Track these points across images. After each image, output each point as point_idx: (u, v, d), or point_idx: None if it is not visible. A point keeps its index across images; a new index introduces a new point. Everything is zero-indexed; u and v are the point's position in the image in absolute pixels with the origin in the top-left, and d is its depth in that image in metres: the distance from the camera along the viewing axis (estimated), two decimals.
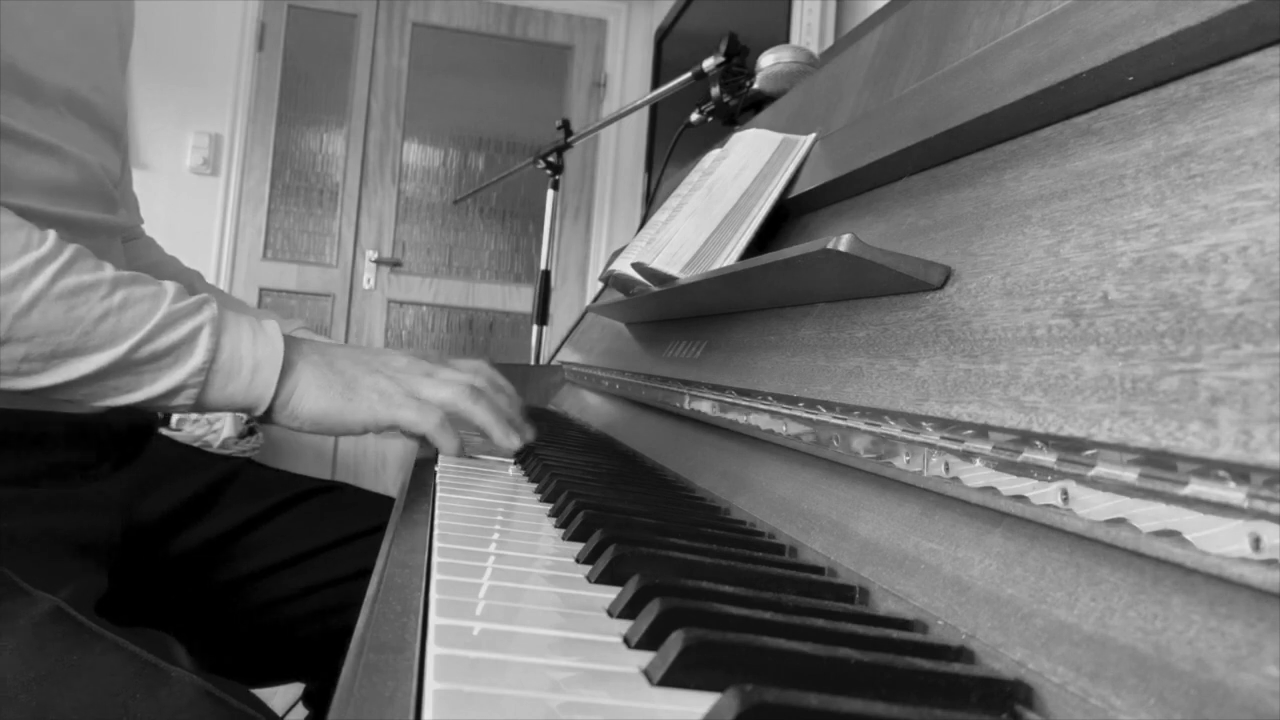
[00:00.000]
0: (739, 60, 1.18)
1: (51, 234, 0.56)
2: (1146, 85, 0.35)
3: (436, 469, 0.62)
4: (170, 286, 0.59)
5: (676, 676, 0.26)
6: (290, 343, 0.63)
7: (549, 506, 0.53)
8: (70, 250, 0.56)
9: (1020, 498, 0.30)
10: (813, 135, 0.72)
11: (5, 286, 0.52)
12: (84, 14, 0.68)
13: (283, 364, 0.61)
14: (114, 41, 0.73)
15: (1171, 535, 0.24)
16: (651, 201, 1.45)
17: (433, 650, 0.27)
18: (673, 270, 0.73)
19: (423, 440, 0.68)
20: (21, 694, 0.47)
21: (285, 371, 0.61)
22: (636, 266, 0.75)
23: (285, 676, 0.82)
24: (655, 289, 0.75)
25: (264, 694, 0.60)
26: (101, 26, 0.71)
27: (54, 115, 0.63)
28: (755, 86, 1.08)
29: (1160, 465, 0.25)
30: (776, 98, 1.01)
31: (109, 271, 0.57)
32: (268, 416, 0.62)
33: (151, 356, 0.57)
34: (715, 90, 1.18)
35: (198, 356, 0.58)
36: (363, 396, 0.62)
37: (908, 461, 0.38)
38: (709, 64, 1.20)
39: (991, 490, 0.32)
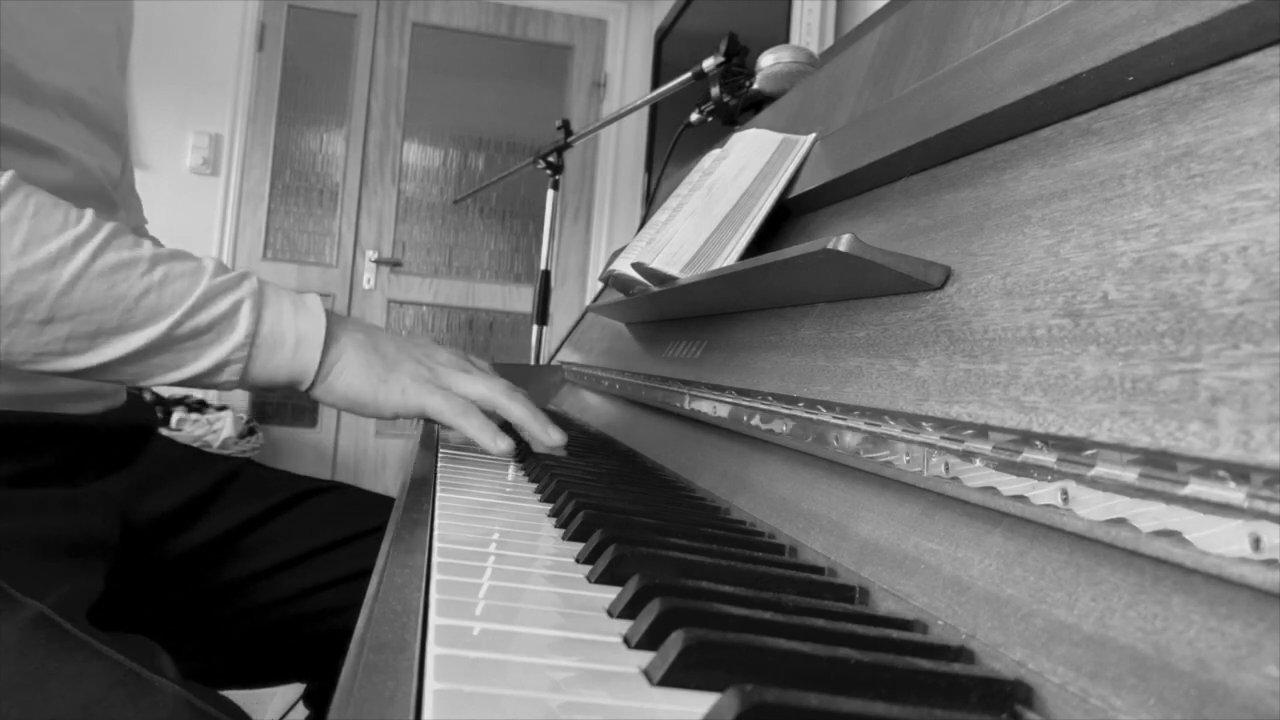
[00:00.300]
0: (739, 60, 1.18)
1: (89, 212, 0.55)
2: (1146, 85, 0.35)
3: (437, 469, 0.62)
4: (209, 261, 0.59)
5: (676, 676, 0.26)
6: (333, 318, 0.62)
7: (549, 506, 0.53)
8: (108, 227, 0.55)
9: (1020, 498, 0.30)
10: (813, 135, 0.72)
11: (46, 265, 0.52)
12: (81, 15, 0.68)
13: (325, 337, 0.60)
14: (112, 42, 0.73)
15: (1171, 535, 0.24)
16: (651, 201, 1.45)
17: (433, 650, 0.27)
18: (673, 270, 0.73)
19: (430, 440, 0.68)
20: (2, 701, 0.47)
21: (328, 346, 0.61)
22: (636, 266, 0.75)
23: (285, 677, 0.82)
24: (655, 289, 0.75)
25: (264, 694, 0.60)
26: (99, 28, 0.71)
27: (52, 117, 0.63)
28: (755, 86, 1.08)
29: (1160, 465, 0.25)
30: (776, 98, 1.01)
31: (148, 248, 0.57)
32: (307, 392, 0.62)
33: (194, 332, 0.56)
34: (715, 90, 1.18)
35: (240, 330, 0.58)
36: (397, 380, 0.62)
37: (908, 461, 0.38)
38: (709, 64, 1.20)
39: (991, 490, 0.32)
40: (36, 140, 0.62)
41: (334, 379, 0.61)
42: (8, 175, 0.53)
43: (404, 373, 0.62)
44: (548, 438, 0.64)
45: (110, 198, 0.71)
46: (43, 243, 0.52)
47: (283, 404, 3.13)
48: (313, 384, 0.61)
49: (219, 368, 0.58)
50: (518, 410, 0.64)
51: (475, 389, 0.63)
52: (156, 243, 0.91)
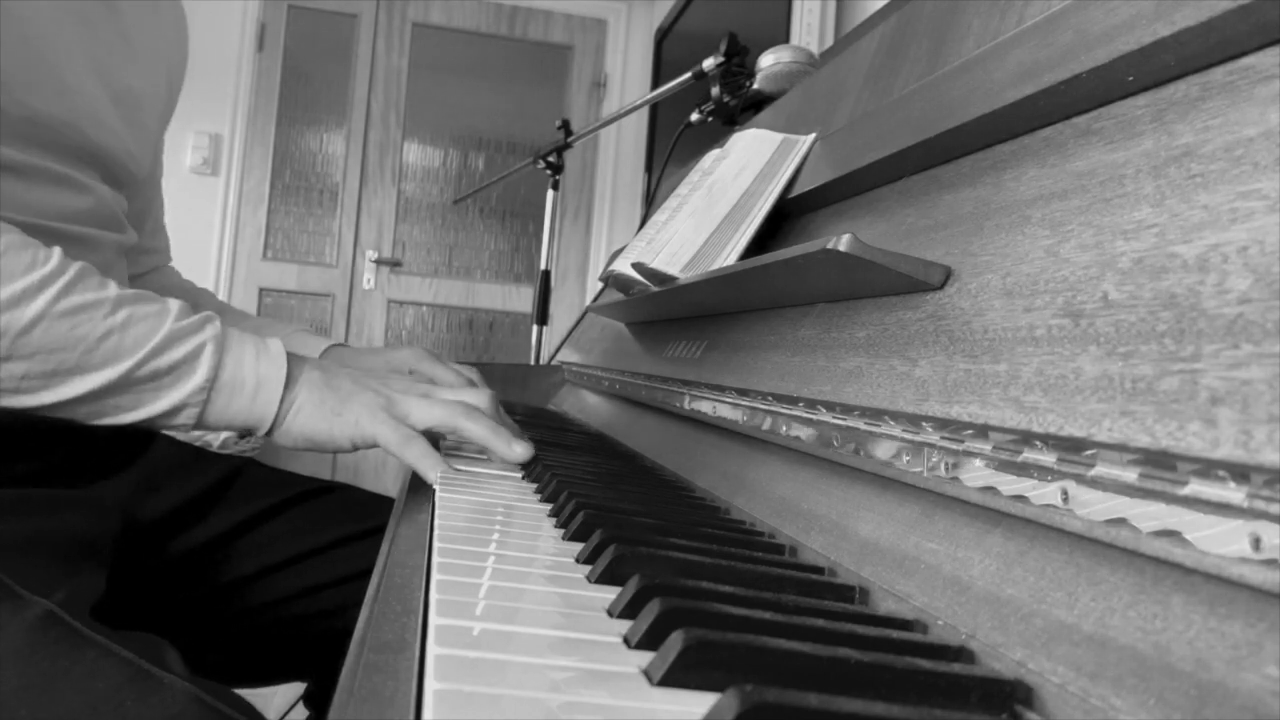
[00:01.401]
0: (739, 60, 1.18)
1: (56, 252, 0.56)
2: (1146, 85, 0.35)
3: None
4: (174, 304, 0.59)
5: (676, 676, 0.26)
6: (294, 362, 0.62)
7: (549, 506, 0.53)
8: (75, 269, 0.56)
9: (1020, 498, 0.30)
10: (813, 135, 0.72)
11: (8, 304, 0.52)
12: (136, 83, 0.69)
13: (284, 382, 0.60)
14: (160, 99, 0.75)
15: (1171, 535, 0.24)
16: (651, 201, 1.45)
17: (433, 650, 0.27)
18: (673, 270, 0.73)
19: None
20: (11, 700, 0.47)
21: (286, 390, 0.61)
22: (636, 266, 0.75)
23: (285, 676, 0.82)
24: (655, 289, 0.75)
25: (264, 694, 0.60)
26: (151, 91, 0.72)
27: (84, 166, 0.65)
28: (755, 86, 1.08)
29: (1160, 465, 0.25)
30: (776, 98, 1.01)
31: (113, 290, 0.57)
32: (265, 435, 0.62)
33: (153, 374, 0.57)
34: (715, 90, 1.18)
35: (200, 375, 0.58)
36: (351, 411, 0.61)
37: (908, 461, 0.38)
38: (709, 64, 1.20)
39: (991, 490, 0.32)
40: (61, 172, 0.63)
41: (290, 421, 0.61)
42: None
43: (358, 403, 0.62)
44: (511, 454, 0.62)
45: (120, 222, 0.72)
46: (8, 281, 0.52)
47: None
48: (271, 428, 0.61)
49: (175, 410, 0.58)
50: (476, 430, 0.62)
51: (430, 414, 0.62)
52: (178, 275, 0.92)
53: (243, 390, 0.59)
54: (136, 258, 0.86)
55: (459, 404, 0.63)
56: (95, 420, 0.57)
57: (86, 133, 0.64)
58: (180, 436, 0.84)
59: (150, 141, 0.75)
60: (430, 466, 0.59)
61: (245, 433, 0.62)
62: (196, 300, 0.87)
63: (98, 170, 0.67)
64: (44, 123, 0.61)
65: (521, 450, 0.63)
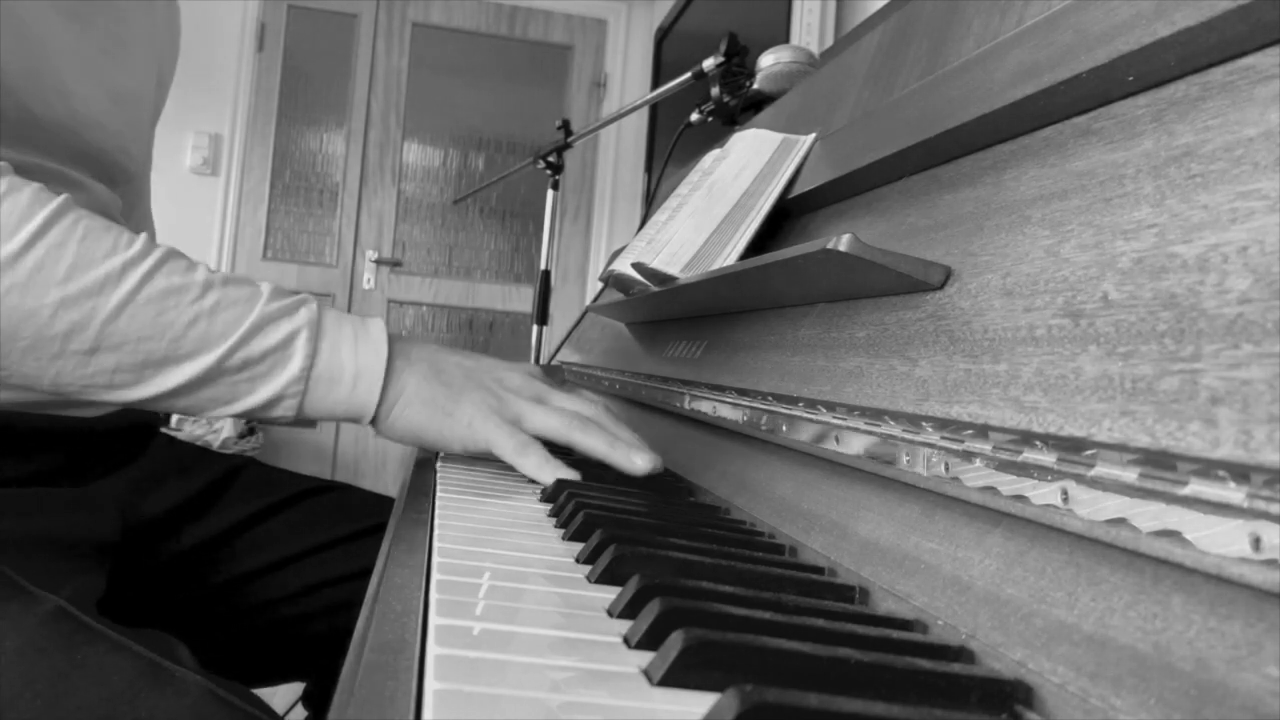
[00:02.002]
0: (739, 60, 1.18)
1: (142, 236, 0.54)
2: (1146, 85, 0.35)
3: (437, 468, 0.62)
4: (266, 286, 0.56)
5: (676, 676, 0.26)
6: (397, 348, 0.59)
7: (549, 506, 0.53)
8: (160, 251, 0.54)
9: (1020, 498, 0.30)
10: (813, 135, 0.72)
11: (92, 291, 0.50)
12: (125, 80, 0.69)
13: (386, 371, 0.57)
14: (150, 98, 0.74)
15: (1171, 535, 0.24)
16: (651, 201, 1.45)
17: (433, 650, 0.26)
18: (673, 270, 0.73)
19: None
20: (25, 693, 0.47)
21: (389, 380, 0.57)
22: (636, 266, 0.75)
23: (285, 676, 0.82)
24: (655, 289, 0.75)
25: (264, 693, 0.60)
26: (141, 89, 0.71)
27: (78, 164, 0.65)
28: (755, 86, 1.08)
29: (1160, 465, 0.25)
30: (776, 98, 1.01)
31: (201, 273, 0.54)
32: (370, 424, 0.59)
33: (245, 363, 0.54)
34: (715, 90, 1.18)
35: (295, 363, 0.55)
36: (463, 413, 0.58)
37: (908, 461, 0.38)
38: (709, 64, 1.20)
39: (991, 490, 0.32)
40: (57, 170, 0.63)
41: (396, 415, 0.58)
42: (60, 199, 0.51)
43: (470, 403, 0.58)
44: (633, 466, 0.58)
45: (114, 219, 0.72)
46: (89, 268, 0.50)
47: None
48: (374, 419, 0.58)
49: (273, 402, 0.55)
50: (592, 443, 0.58)
51: (547, 423, 0.59)
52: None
53: (342, 380, 0.56)
54: None
55: (575, 414, 0.60)
56: (196, 414, 0.55)
57: (85, 135, 0.64)
58: (180, 436, 0.84)
59: (144, 139, 0.74)
60: (549, 475, 0.56)
61: (352, 422, 0.58)
62: None
63: (92, 169, 0.67)
64: (44, 126, 0.60)
65: (643, 462, 0.58)
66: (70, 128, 0.62)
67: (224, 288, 0.54)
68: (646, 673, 0.27)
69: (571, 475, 0.56)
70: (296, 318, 0.56)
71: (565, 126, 1.76)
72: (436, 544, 0.40)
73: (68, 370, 0.51)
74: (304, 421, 0.57)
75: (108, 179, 0.70)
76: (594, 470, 0.63)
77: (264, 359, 0.54)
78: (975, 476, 0.33)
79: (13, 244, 0.48)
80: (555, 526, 0.48)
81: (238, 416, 0.56)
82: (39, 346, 0.49)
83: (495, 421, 0.58)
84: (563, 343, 1.56)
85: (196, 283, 0.53)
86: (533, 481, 0.62)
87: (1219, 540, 0.23)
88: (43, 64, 0.59)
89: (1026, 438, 0.31)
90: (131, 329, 0.51)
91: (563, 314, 3.21)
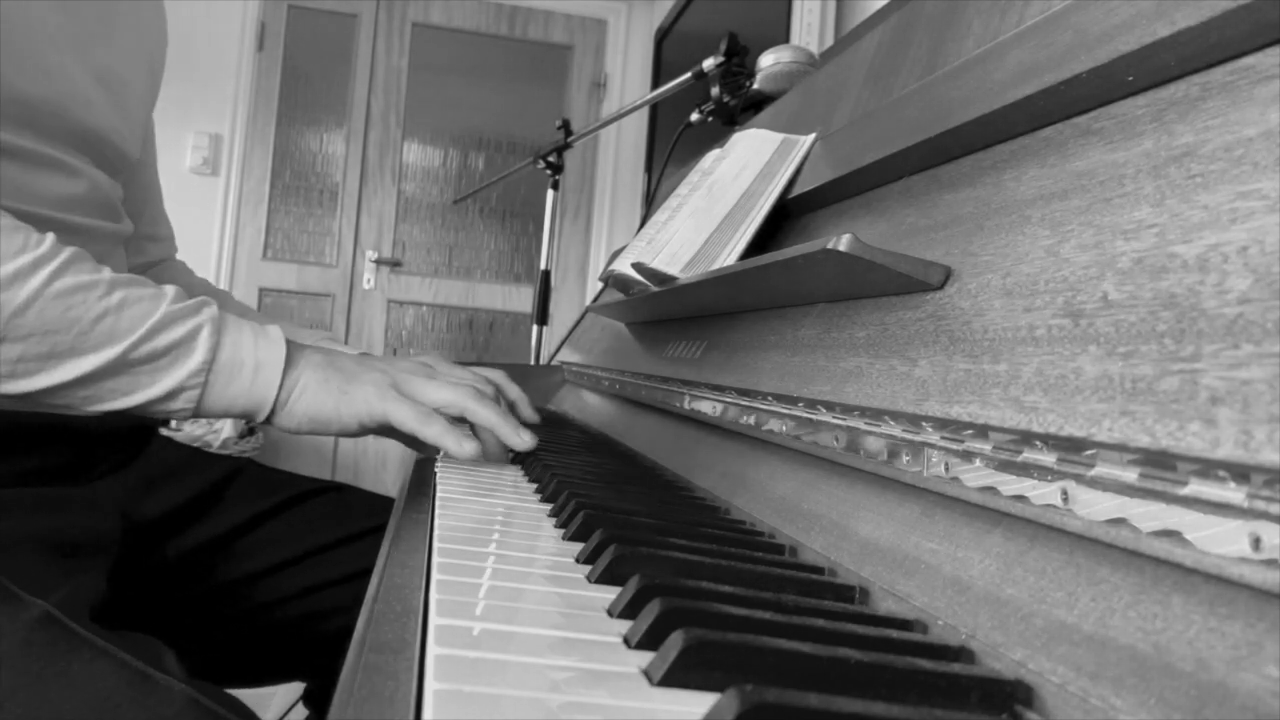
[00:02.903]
0: (739, 60, 1.18)
1: (50, 236, 0.55)
2: (1146, 85, 0.35)
3: (437, 469, 0.62)
4: (170, 289, 0.59)
5: (676, 676, 0.26)
6: (294, 345, 0.62)
7: (549, 506, 0.53)
8: (68, 252, 0.55)
9: (1020, 498, 0.30)
10: (813, 135, 0.72)
11: (2, 285, 0.52)
12: (112, 62, 0.69)
13: (285, 363, 0.60)
14: (142, 81, 0.75)
15: (1171, 535, 0.24)
16: (651, 201, 1.45)
17: (433, 650, 0.26)
18: (673, 270, 0.73)
19: (418, 444, 0.68)
20: (7, 701, 0.47)
21: (287, 371, 0.60)
22: (636, 266, 0.75)
23: (285, 676, 0.82)
24: (655, 289, 0.75)
25: (264, 694, 0.60)
26: (130, 72, 0.72)
27: (69, 147, 0.65)
28: (755, 86, 1.08)
29: (1160, 465, 0.25)
30: (776, 98, 1.01)
31: (107, 273, 0.56)
32: (267, 420, 0.61)
33: (149, 356, 0.56)
34: (715, 90, 1.18)
35: (197, 356, 0.57)
36: (359, 390, 0.60)
37: (908, 461, 0.38)
38: (709, 64, 1.20)
39: (991, 490, 0.32)
40: (50, 155, 0.63)
41: (293, 403, 0.60)
42: None
43: (365, 383, 0.61)
44: (519, 441, 0.63)
45: (117, 211, 0.72)
46: (2, 263, 0.52)
47: None
48: (272, 411, 0.60)
49: (173, 394, 0.57)
50: (485, 414, 0.62)
51: (440, 395, 0.62)
52: (187, 269, 0.92)
53: (241, 372, 0.58)
54: (141, 245, 0.85)
55: (468, 387, 0.63)
56: (93, 406, 0.56)
57: (74, 113, 0.64)
58: (179, 437, 0.85)
59: (137, 124, 0.74)
60: (456, 441, 0.58)
61: (246, 419, 0.60)
62: (223, 302, 0.87)
63: (88, 153, 0.67)
64: (33, 104, 0.60)
65: (528, 438, 0.63)
66: (56, 104, 0.62)
67: (129, 287, 0.57)
68: (646, 673, 0.27)
69: (474, 447, 0.59)
70: (200, 315, 0.58)
71: (565, 126, 1.76)
72: (436, 544, 0.40)
73: None
74: (206, 415, 0.60)
75: (106, 165, 0.70)
76: (590, 468, 0.63)
77: (168, 352, 0.56)
78: (975, 476, 0.33)
79: None
80: (555, 526, 0.48)
81: (136, 410, 0.57)
82: None
83: (392, 395, 0.60)
84: (563, 343, 1.56)
85: (103, 281, 0.56)
86: (532, 482, 0.62)
87: (1219, 540, 0.23)
88: (24, 40, 0.60)
89: (1026, 438, 0.31)
90: (40, 322, 0.53)
91: (563, 314, 3.21)
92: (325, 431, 0.62)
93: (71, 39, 0.64)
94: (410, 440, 0.66)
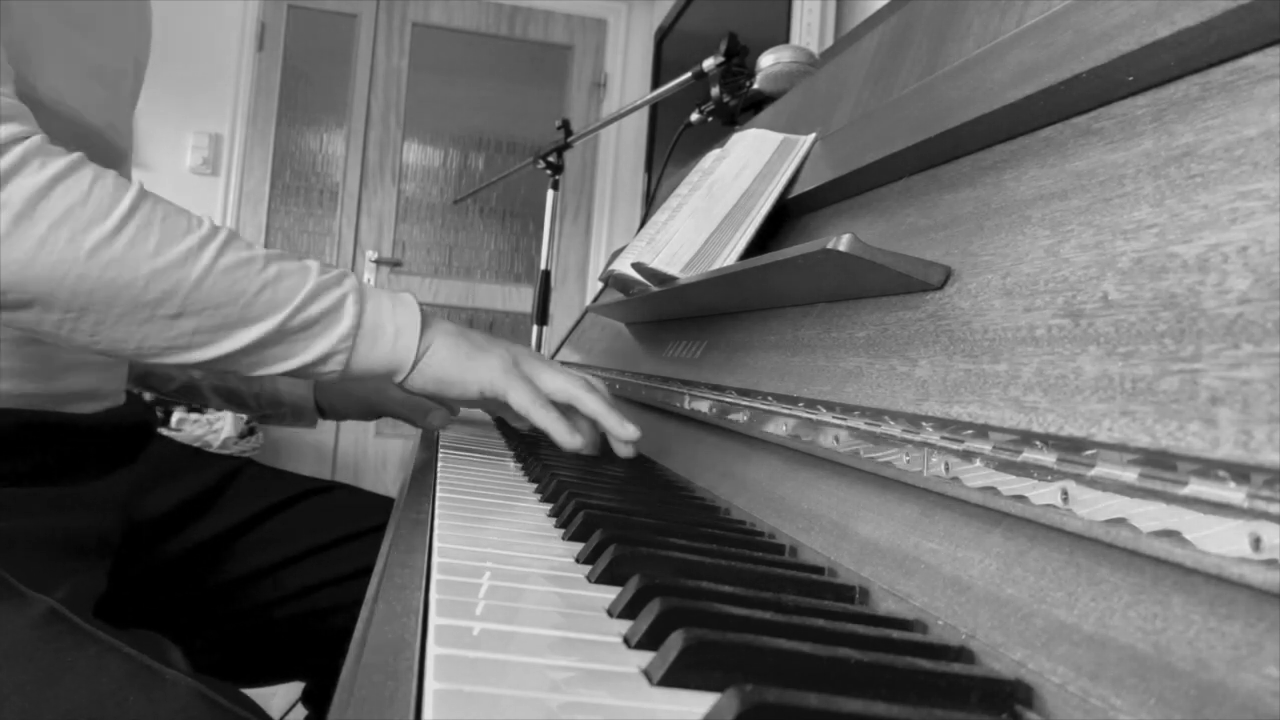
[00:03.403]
0: (739, 60, 1.18)
1: (208, 217, 0.59)
2: (1146, 85, 0.35)
3: (437, 469, 0.62)
4: (314, 262, 0.63)
5: (676, 676, 0.26)
6: (426, 312, 0.66)
7: (549, 506, 0.53)
8: (226, 230, 0.59)
9: (1020, 498, 0.30)
10: (813, 135, 0.72)
11: (177, 263, 0.55)
12: (98, 54, 0.69)
13: (421, 327, 0.64)
14: (128, 76, 0.75)
15: (1171, 535, 0.24)
16: (651, 201, 1.45)
17: (433, 650, 0.26)
18: (673, 270, 0.73)
19: (430, 440, 0.68)
20: (15, 695, 0.47)
21: (423, 335, 0.64)
22: (636, 266, 0.75)
23: (285, 675, 0.82)
24: (655, 289, 0.75)
25: (264, 693, 0.60)
26: (116, 64, 0.72)
27: (67, 145, 0.65)
28: (755, 86, 1.08)
29: (1160, 465, 0.25)
30: (776, 98, 1.01)
31: (260, 248, 0.60)
32: (400, 382, 0.64)
33: (305, 324, 0.60)
34: (715, 90, 1.18)
35: (345, 322, 0.61)
36: (485, 362, 0.65)
37: (908, 461, 0.38)
38: (709, 64, 1.20)
39: (991, 490, 0.32)
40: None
41: (425, 363, 0.64)
42: (136, 184, 0.57)
43: (492, 355, 0.65)
44: (624, 431, 0.66)
45: None
46: (173, 243, 0.56)
47: None
48: (410, 371, 0.64)
49: (326, 357, 0.61)
50: (594, 405, 0.66)
51: (556, 382, 0.66)
52: None
53: (384, 335, 0.62)
54: None
55: (581, 379, 0.67)
56: (254, 371, 0.60)
57: (71, 108, 0.65)
58: (179, 437, 0.85)
59: (126, 121, 0.76)
60: (567, 431, 0.64)
61: (388, 377, 0.64)
62: None
63: (84, 151, 0.67)
64: (31, 101, 0.61)
65: (633, 430, 0.67)
66: (56, 101, 0.63)
67: (281, 261, 0.61)
68: (646, 673, 0.27)
69: (580, 439, 0.64)
70: (344, 285, 0.62)
71: (565, 126, 1.76)
72: (436, 544, 0.40)
73: (154, 333, 0.56)
74: (351, 377, 0.64)
75: (102, 160, 0.70)
76: (591, 467, 0.63)
77: (320, 319, 0.61)
78: (975, 476, 0.33)
79: (108, 223, 0.54)
80: (555, 526, 0.48)
81: (294, 373, 0.61)
82: (133, 313, 0.55)
83: (516, 374, 0.65)
84: (563, 343, 1.56)
85: (260, 256, 0.60)
86: (531, 481, 0.62)
87: (1219, 540, 0.23)
88: (25, 40, 0.61)
89: (1026, 438, 0.31)
90: (212, 296, 0.57)
91: (563, 314, 3.21)
92: (448, 394, 0.65)
93: (57, 36, 0.65)
94: (503, 418, 0.68)
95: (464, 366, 0.65)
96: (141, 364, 0.59)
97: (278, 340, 0.59)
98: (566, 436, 0.64)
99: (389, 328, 0.63)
